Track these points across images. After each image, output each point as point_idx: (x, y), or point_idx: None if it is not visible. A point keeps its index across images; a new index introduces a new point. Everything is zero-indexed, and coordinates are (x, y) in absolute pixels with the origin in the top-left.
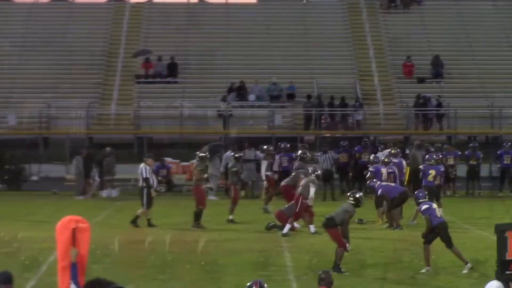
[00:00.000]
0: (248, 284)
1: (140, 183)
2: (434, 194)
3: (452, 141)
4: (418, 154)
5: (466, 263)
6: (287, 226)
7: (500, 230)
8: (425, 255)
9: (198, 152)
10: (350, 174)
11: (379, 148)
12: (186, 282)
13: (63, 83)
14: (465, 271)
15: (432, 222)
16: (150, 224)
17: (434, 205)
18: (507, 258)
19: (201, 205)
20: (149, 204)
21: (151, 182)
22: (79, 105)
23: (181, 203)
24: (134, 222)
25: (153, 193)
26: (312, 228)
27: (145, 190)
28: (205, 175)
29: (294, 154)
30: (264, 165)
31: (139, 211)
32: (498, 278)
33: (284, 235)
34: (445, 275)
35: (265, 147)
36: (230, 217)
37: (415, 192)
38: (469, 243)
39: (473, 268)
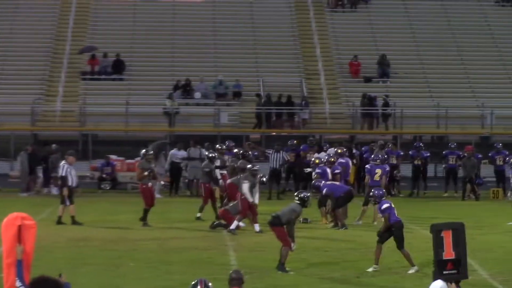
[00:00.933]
0: (193, 282)
1: (59, 181)
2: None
3: (398, 141)
4: (382, 154)
5: (413, 265)
6: (235, 223)
7: (436, 230)
8: (376, 253)
9: (143, 151)
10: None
11: (324, 147)
12: (131, 279)
13: (7, 79)
14: (411, 271)
15: (390, 220)
16: (59, 222)
17: (393, 205)
18: (444, 258)
19: (147, 205)
20: (70, 201)
21: (68, 180)
22: (24, 101)
23: (126, 200)
24: (58, 221)
25: (65, 192)
26: (256, 227)
27: (64, 188)
28: (145, 173)
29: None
30: (218, 164)
31: (59, 209)
32: (435, 279)
33: (230, 231)
34: (389, 275)
35: (217, 146)
36: (198, 214)
37: (373, 190)
38: (414, 243)
39: (418, 271)
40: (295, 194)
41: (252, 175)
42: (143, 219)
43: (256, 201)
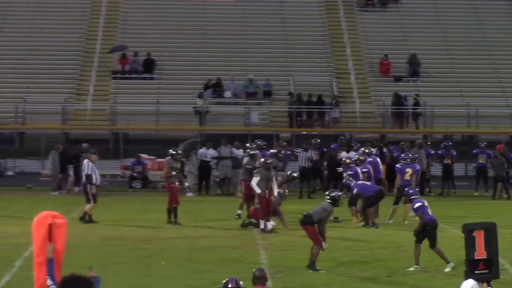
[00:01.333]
0: (224, 281)
1: (83, 179)
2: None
3: (428, 140)
4: (421, 154)
5: (449, 262)
6: (261, 223)
7: (468, 230)
8: (415, 254)
9: (170, 150)
10: (326, 172)
11: (354, 146)
12: (161, 278)
13: (39, 78)
14: (447, 269)
15: (424, 219)
16: (90, 220)
17: (427, 203)
18: (475, 258)
19: (174, 203)
20: (94, 199)
21: (93, 178)
22: (55, 100)
23: (157, 199)
24: (82, 218)
25: (94, 190)
26: (262, 224)
27: (88, 187)
28: (173, 173)
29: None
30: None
31: (87, 207)
32: (467, 278)
33: (261, 231)
34: (420, 274)
35: (247, 145)
36: (239, 212)
37: (406, 189)
38: (445, 242)
39: (455, 267)
40: (327, 193)
41: (265, 169)
42: (175, 217)
43: (275, 192)
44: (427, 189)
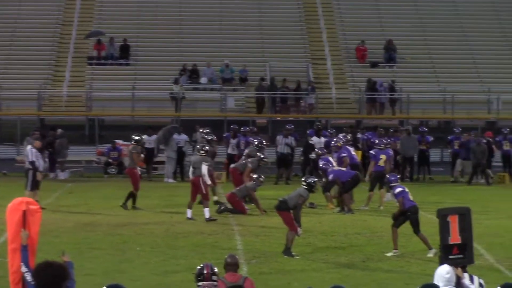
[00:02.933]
0: (199, 267)
1: (26, 165)
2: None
3: (404, 126)
4: (410, 140)
5: (431, 248)
6: (206, 210)
7: (442, 215)
8: (393, 238)
9: (133, 135)
10: (302, 158)
11: (329, 131)
12: (137, 264)
13: (14, 64)
14: (429, 255)
15: (404, 205)
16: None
17: (407, 189)
18: (450, 243)
19: (135, 189)
20: (35, 186)
21: (37, 164)
22: (30, 86)
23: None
24: None
25: (39, 176)
26: (207, 212)
27: (30, 173)
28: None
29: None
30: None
31: (26, 195)
32: (442, 263)
33: (207, 220)
34: (396, 260)
35: (200, 129)
36: (215, 198)
37: (387, 176)
38: (422, 228)
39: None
40: (303, 179)
41: (212, 157)
42: (134, 202)
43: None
44: (407, 175)
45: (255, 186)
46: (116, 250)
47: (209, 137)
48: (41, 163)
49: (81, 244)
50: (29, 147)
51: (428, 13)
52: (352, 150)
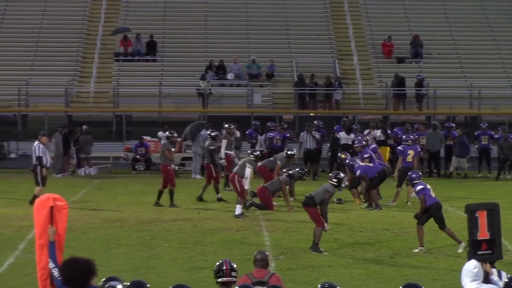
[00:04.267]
0: (218, 263)
1: (33, 161)
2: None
3: (431, 122)
4: (436, 135)
5: (460, 242)
6: (238, 207)
7: (471, 210)
8: (418, 236)
9: (167, 133)
10: (329, 153)
11: (354, 127)
12: (165, 260)
13: (42, 61)
14: (460, 250)
15: (426, 202)
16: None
17: (429, 186)
18: (478, 238)
19: (171, 186)
20: (43, 182)
21: (44, 160)
22: (58, 82)
23: (160, 181)
24: (32, 202)
25: (45, 172)
26: (238, 209)
27: (38, 169)
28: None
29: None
30: (224, 143)
31: (36, 190)
32: (470, 258)
33: (236, 216)
34: (423, 256)
35: (226, 125)
36: (218, 195)
37: (409, 173)
38: (449, 224)
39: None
40: (331, 174)
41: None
42: (171, 199)
43: (247, 185)
44: (435, 170)
45: (288, 180)
46: (144, 246)
47: (213, 134)
48: (48, 159)
49: (109, 240)
50: (36, 143)
51: (454, 8)
52: (375, 150)
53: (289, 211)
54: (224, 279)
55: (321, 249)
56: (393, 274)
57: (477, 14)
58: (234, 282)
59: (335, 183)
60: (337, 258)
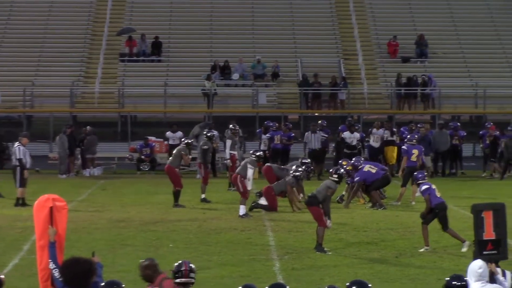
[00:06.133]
0: (177, 264)
1: (14, 162)
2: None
3: (436, 121)
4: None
5: (464, 241)
6: (242, 207)
7: (477, 210)
8: (424, 235)
9: (184, 139)
10: (334, 153)
11: (356, 126)
12: (170, 260)
13: (47, 61)
14: (464, 249)
15: (431, 202)
16: (23, 203)
17: (434, 186)
18: (484, 238)
19: (178, 186)
20: (22, 183)
21: (24, 162)
22: (63, 83)
23: (165, 181)
24: (17, 204)
25: (26, 174)
26: (242, 209)
27: (18, 170)
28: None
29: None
30: (228, 144)
31: (18, 192)
32: (475, 258)
33: (241, 216)
34: (428, 255)
35: (231, 126)
36: (203, 196)
37: (415, 173)
38: (453, 223)
39: (471, 246)
40: (331, 170)
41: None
42: (176, 200)
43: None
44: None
45: (295, 181)
46: (149, 246)
47: (209, 134)
48: (28, 161)
49: (114, 240)
50: (16, 144)
51: (459, 8)
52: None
53: (294, 211)
54: (183, 279)
55: (325, 249)
56: (398, 274)
57: (482, 13)
58: (193, 283)
59: (335, 179)
60: (342, 258)
